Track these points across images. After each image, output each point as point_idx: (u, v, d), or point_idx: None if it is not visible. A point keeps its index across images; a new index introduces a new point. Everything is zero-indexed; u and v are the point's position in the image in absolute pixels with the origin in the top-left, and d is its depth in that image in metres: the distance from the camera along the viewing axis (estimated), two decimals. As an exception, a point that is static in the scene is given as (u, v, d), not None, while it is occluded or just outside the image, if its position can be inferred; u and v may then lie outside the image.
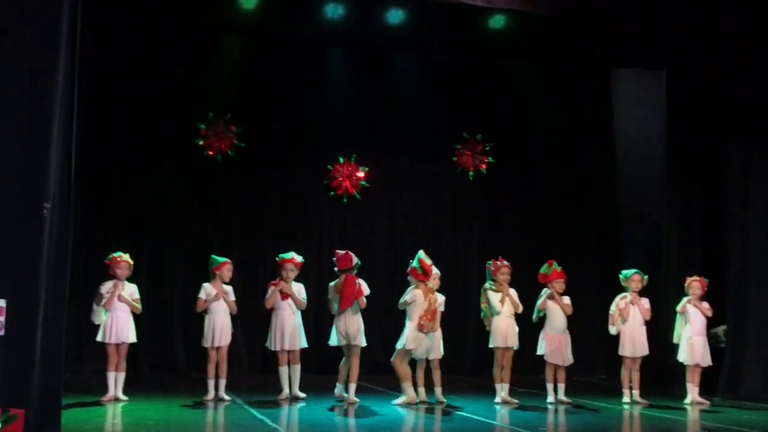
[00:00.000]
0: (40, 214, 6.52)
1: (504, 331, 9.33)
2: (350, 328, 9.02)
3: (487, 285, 9.54)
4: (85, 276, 10.22)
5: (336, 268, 9.21)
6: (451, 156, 12.97)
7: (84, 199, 9.94)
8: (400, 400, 9.04)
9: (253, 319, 11.32)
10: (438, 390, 9.27)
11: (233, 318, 9.34)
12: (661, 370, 10.63)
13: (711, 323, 9.91)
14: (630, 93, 12.47)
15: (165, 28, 11.25)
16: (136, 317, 9.14)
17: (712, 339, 10.10)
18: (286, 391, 9.20)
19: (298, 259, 9.37)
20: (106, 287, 8.94)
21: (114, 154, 11.58)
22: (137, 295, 9.09)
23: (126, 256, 9.09)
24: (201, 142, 12.01)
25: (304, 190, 12.56)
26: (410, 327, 9.02)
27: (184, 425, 7.59)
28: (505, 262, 9.52)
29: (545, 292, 9.53)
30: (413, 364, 9.24)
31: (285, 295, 9.19)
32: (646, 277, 9.84)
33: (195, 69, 11.88)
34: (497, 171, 13.06)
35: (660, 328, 10.61)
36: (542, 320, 9.55)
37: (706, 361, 9.67)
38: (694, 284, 9.74)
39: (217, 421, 8.18)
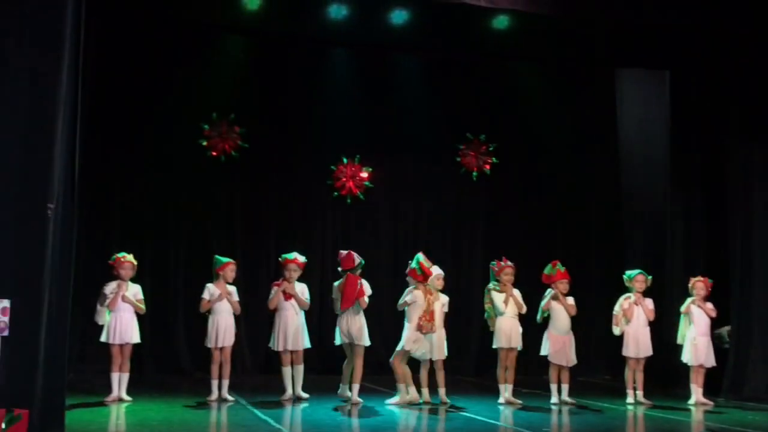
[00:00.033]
0: (44, 214, 6.52)
1: (507, 331, 9.33)
2: (352, 328, 9.02)
3: (490, 285, 9.53)
4: (88, 276, 10.22)
5: (339, 268, 9.22)
6: (454, 156, 12.97)
7: (87, 200, 9.94)
8: (394, 399, 9.08)
9: (256, 319, 11.33)
10: (442, 391, 9.26)
11: (237, 318, 9.35)
12: (665, 371, 10.62)
13: (715, 324, 9.90)
14: (633, 93, 12.46)
15: (168, 29, 11.25)
16: (140, 318, 9.15)
17: (716, 339, 10.09)
18: (289, 391, 9.19)
19: (301, 259, 9.37)
20: (110, 288, 8.95)
21: (117, 155, 11.58)
22: (141, 296, 9.10)
23: (130, 257, 9.10)
24: (204, 143, 12.02)
25: (307, 190, 12.56)
26: (409, 328, 9.03)
27: (187, 426, 7.59)
28: (509, 263, 9.51)
29: (549, 292, 9.52)
30: (417, 364, 9.24)
31: (288, 296, 9.19)
32: (650, 277, 9.83)
33: (198, 69, 11.89)
34: (500, 171, 13.05)
35: (664, 328, 10.59)
36: (546, 321, 9.55)
37: (710, 361, 9.66)
38: (698, 285, 9.73)
39: (220, 421, 8.18)
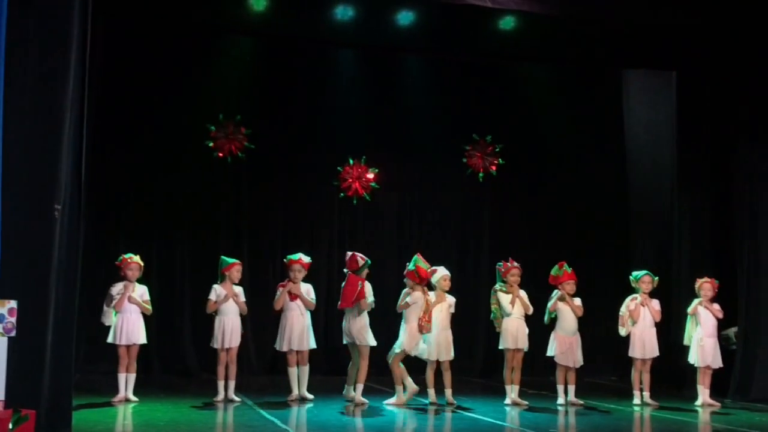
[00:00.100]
0: (51, 215, 6.54)
1: (514, 332, 9.32)
2: (352, 329, 9.03)
3: (497, 286, 9.53)
4: (95, 277, 10.23)
5: (345, 269, 9.23)
6: (460, 157, 12.95)
7: (94, 201, 9.96)
8: (392, 400, 9.10)
9: (262, 320, 11.32)
10: (448, 391, 9.25)
11: (243, 319, 9.35)
12: (672, 372, 10.61)
13: (722, 325, 9.86)
14: (640, 94, 12.44)
15: (175, 30, 11.25)
16: (147, 318, 9.16)
17: (723, 341, 10.06)
18: (295, 391, 9.20)
19: (306, 259, 9.37)
20: (117, 288, 8.96)
21: (124, 156, 11.58)
22: (148, 297, 9.11)
23: (136, 258, 9.12)
24: (211, 144, 12.02)
25: (313, 191, 12.55)
26: (407, 329, 9.05)
27: (193, 426, 7.60)
28: (516, 264, 9.50)
29: (556, 293, 9.51)
30: (423, 365, 9.24)
31: (294, 296, 9.20)
32: (656, 278, 9.81)
33: (205, 71, 11.88)
34: (507, 172, 13.03)
35: (671, 329, 10.58)
36: (553, 322, 9.54)
37: (717, 362, 9.63)
38: (705, 285, 9.71)
39: (226, 422, 8.19)
